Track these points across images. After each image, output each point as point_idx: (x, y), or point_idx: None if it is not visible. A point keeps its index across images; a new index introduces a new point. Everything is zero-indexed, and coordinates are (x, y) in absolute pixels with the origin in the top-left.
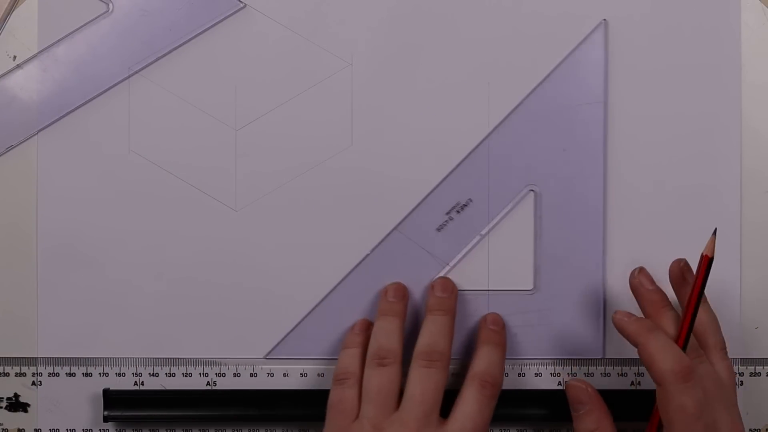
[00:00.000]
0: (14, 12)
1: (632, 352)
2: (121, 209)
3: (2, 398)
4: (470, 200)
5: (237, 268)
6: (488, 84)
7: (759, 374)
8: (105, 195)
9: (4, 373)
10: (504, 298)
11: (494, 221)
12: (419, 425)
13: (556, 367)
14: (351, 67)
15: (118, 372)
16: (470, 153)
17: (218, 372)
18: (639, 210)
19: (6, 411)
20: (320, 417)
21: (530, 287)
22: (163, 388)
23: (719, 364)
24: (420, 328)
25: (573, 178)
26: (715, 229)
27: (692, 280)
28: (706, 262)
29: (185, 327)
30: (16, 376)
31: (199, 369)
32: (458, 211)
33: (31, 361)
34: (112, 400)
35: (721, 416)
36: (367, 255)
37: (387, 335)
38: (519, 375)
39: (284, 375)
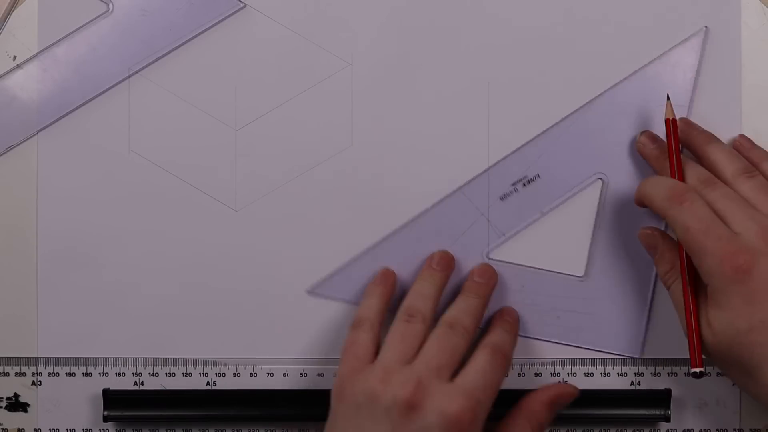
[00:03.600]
0: (14, 12)
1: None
2: (121, 209)
3: (2, 398)
4: (538, 176)
5: (237, 267)
6: (488, 84)
7: None
8: (105, 195)
9: (4, 373)
10: (552, 280)
11: (558, 201)
12: (428, 374)
13: (556, 367)
14: (351, 67)
15: (118, 372)
16: (547, 129)
17: (218, 372)
18: (637, 208)
19: (6, 411)
20: (320, 417)
21: (581, 273)
22: (163, 388)
23: (742, 187)
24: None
25: (642, 174)
26: (668, 94)
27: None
28: (675, 126)
29: (185, 327)
30: (16, 376)
31: (199, 369)
32: (524, 185)
33: (31, 361)
34: (112, 400)
35: (749, 221)
36: (427, 210)
37: (422, 299)
38: (519, 375)
39: (284, 375)
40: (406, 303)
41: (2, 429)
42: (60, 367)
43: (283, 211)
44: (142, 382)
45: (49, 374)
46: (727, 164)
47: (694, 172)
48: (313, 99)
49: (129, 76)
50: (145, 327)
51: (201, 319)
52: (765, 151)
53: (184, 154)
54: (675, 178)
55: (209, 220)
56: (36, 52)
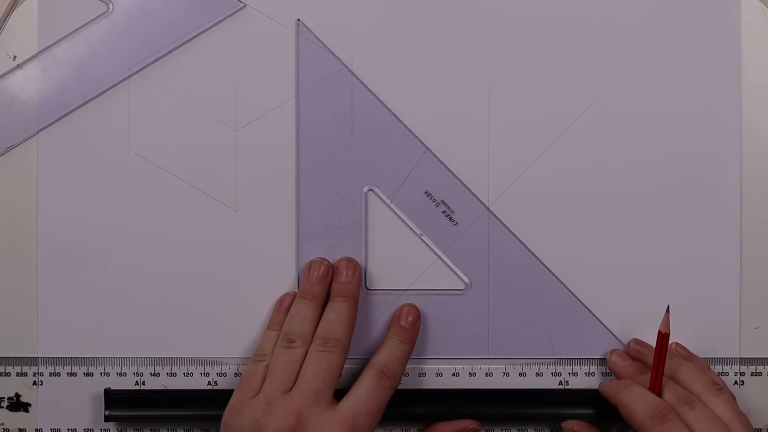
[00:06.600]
0: (14, 12)
1: None
2: (121, 209)
3: (3, 398)
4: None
5: (237, 267)
6: (488, 84)
7: (759, 374)
8: (105, 195)
9: (5, 372)
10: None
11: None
12: (308, 402)
13: (557, 367)
14: (351, 67)
15: (119, 372)
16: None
17: (219, 372)
18: (637, 208)
19: (7, 411)
20: None
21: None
22: (164, 388)
23: (713, 402)
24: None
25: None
26: (668, 306)
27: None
28: (666, 339)
29: (186, 327)
30: (17, 375)
31: (201, 369)
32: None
33: (32, 361)
34: (114, 399)
35: None
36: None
37: (301, 320)
38: (520, 375)
39: None
40: (286, 328)
41: (4, 429)
42: (61, 367)
43: (283, 211)
44: (144, 381)
45: (51, 374)
46: (694, 378)
47: (671, 388)
48: (313, 99)
49: (129, 76)
50: (146, 327)
51: (202, 318)
52: (700, 359)
53: (184, 154)
54: (655, 392)
55: (209, 220)
56: (36, 52)
